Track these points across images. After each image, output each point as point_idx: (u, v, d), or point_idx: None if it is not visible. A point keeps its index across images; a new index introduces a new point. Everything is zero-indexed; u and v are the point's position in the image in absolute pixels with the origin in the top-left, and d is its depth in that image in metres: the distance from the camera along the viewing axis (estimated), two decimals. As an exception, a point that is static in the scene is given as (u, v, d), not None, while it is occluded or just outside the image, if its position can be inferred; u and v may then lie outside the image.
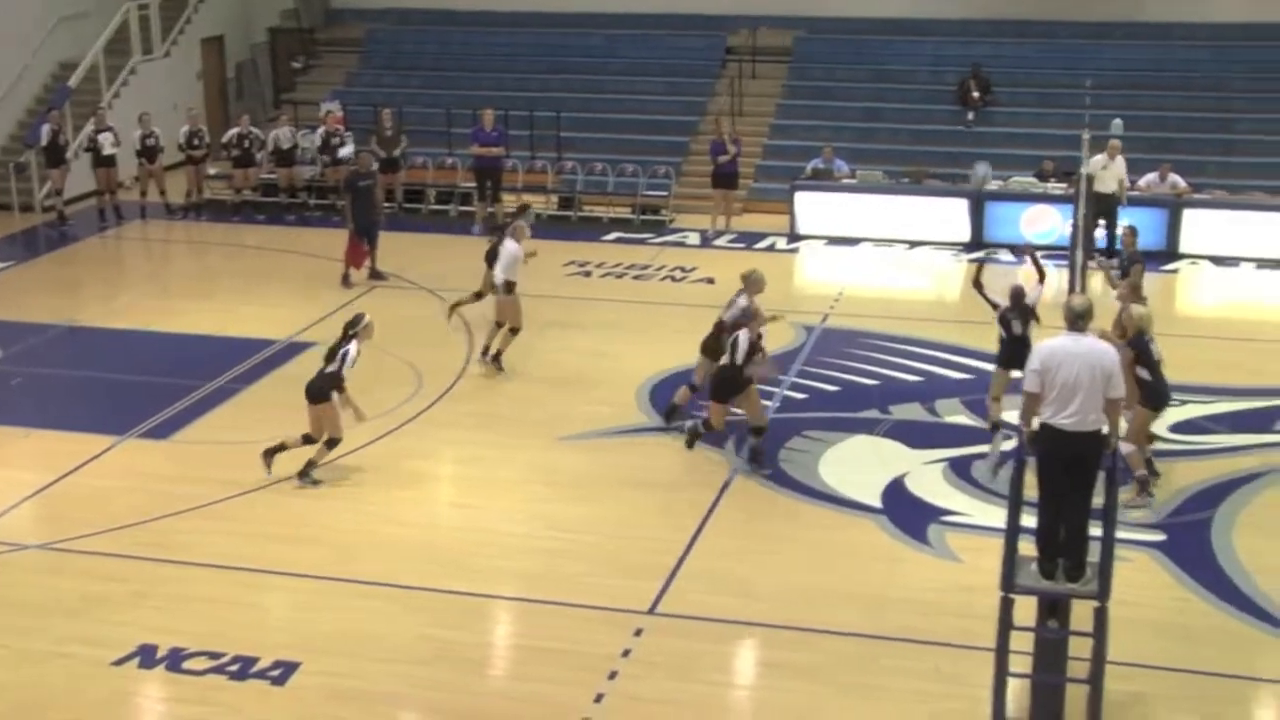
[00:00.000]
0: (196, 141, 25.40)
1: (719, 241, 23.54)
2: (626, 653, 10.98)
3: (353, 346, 13.91)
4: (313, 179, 25.80)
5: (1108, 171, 21.76)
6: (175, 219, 25.33)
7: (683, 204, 25.37)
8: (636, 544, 12.77)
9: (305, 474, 14.00)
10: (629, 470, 14.43)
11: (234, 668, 10.76)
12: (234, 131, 25.47)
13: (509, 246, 16.73)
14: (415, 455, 14.79)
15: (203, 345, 18.29)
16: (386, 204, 23.97)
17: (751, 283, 15.40)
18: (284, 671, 10.70)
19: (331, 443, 14.05)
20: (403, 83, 29.25)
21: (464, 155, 25.13)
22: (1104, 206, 21.77)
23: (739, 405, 14.39)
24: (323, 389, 13.91)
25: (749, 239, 23.66)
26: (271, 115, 28.49)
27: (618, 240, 23.60)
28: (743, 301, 15.23)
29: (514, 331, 16.69)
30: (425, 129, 26.67)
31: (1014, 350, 14.00)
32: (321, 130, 25.43)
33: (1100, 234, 21.76)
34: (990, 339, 14.93)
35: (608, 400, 16.20)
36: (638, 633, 11.28)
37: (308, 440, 14.03)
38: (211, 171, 26.10)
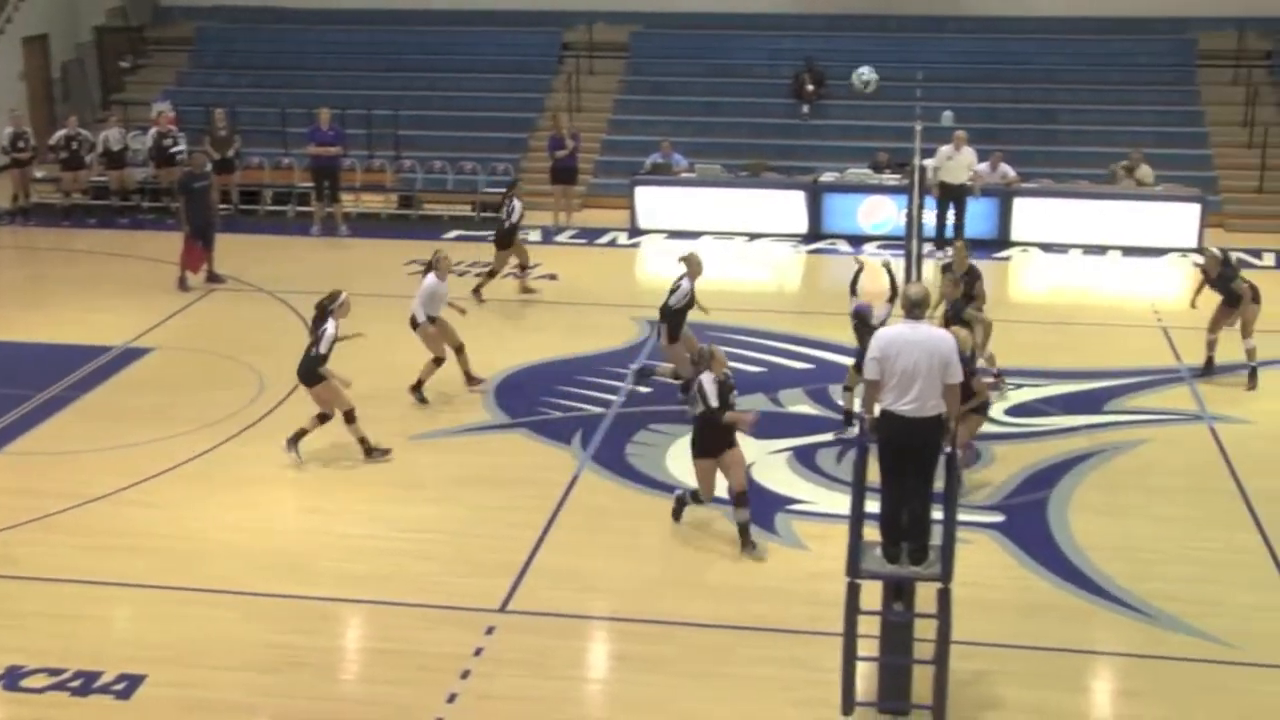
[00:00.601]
0: (21, 144, 24.71)
1: (560, 237, 23.58)
2: (478, 651, 10.95)
3: (330, 325, 14.03)
4: (145, 181, 25.28)
5: (954, 162, 22.23)
6: (1, 224, 24.65)
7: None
8: (486, 542, 12.73)
9: (371, 451, 14.33)
10: (476, 468, 14.38)
11: (76, 683, 10.48)
12: (62, 133, 24.83)
13: (429, 281, 16.06)
14: (259, 460, 14.52)
15: (35, 354, 17.79)
16: (222, 205, 23.58)
17: (692, 265, 15.67)
18: (129, 685, 10.46)
19: (349, 416, 14.28)
20: (235, 82, 28.79)
21: (300, 155, 24.80)
22: (953, 195, 22.26)
23: (722, 470, 12.54)
24: (311, 372, 14.08)
25: (590, 234, 23.74)
26: (100, 116, 27.79)
27: (459, 238, 23.44)
28: (687, 285, 15.44)
29: (438, 362, 16.09)
30: (260, 129, 26.33)
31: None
32: (153, 131, 24.93)
33: (950, 222, 22.24)
34: (830, 329, 15.10)
35: (454, 399, 16.12)
36: (489, 631, 11.25)
37: (323, 419, 14.30)
38: (39, 174, 25.43)
